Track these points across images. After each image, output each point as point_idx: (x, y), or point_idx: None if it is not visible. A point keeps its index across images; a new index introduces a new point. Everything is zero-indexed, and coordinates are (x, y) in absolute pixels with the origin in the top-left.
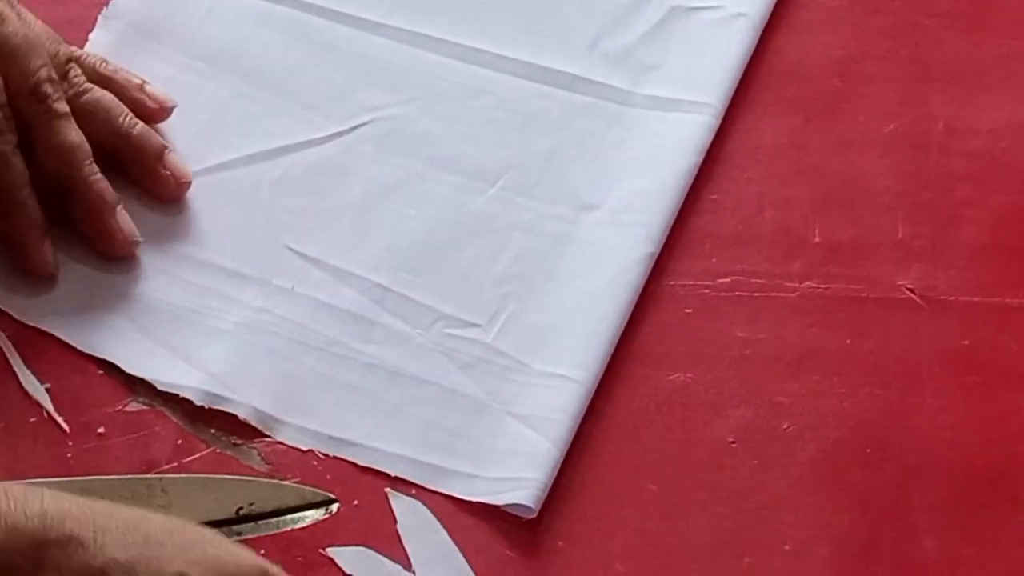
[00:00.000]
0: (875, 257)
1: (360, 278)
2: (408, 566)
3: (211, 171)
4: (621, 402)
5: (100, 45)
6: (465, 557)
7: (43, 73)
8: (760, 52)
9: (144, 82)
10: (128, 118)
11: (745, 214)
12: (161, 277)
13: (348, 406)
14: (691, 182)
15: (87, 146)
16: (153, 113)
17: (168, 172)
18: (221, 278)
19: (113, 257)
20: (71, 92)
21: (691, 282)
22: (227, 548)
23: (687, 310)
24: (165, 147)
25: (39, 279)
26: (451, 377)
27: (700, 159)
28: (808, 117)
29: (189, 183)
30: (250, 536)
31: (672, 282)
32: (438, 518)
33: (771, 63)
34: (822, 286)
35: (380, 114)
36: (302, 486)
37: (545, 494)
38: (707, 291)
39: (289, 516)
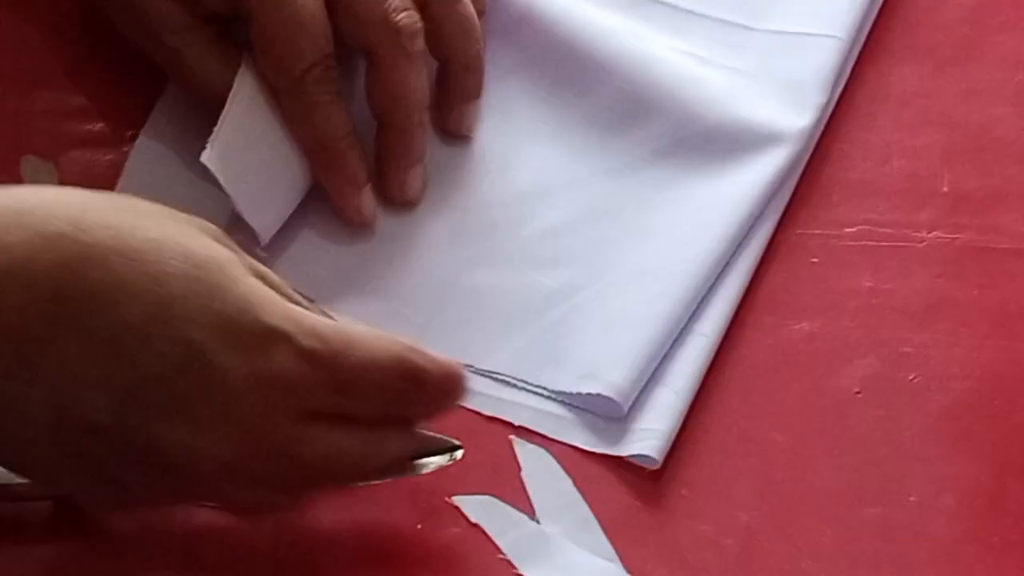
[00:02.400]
0: (1004, 207)
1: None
2: (532, 514)
3: None
4: (746, 352)
5: None
6: (588, 505)
7: (396, 2)
8: (888, 1)
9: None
10: (479, 45)
11: (873, 163)
12: None
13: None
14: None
15: (425, 94)
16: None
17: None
18: None
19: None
20: (443, 8)
21: (817, 231)
22: (240, 300)
23: (813, 259)
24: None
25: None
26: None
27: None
28: (938, 65)
29: None
30: (374, 481)
31: (799, 231)
32: (563, 467)
33: (900, 10)
34: (950, 236)
35: None
36: (427, 432)
37: (670, 445)
38: (834, 240)
39: (413, 462)
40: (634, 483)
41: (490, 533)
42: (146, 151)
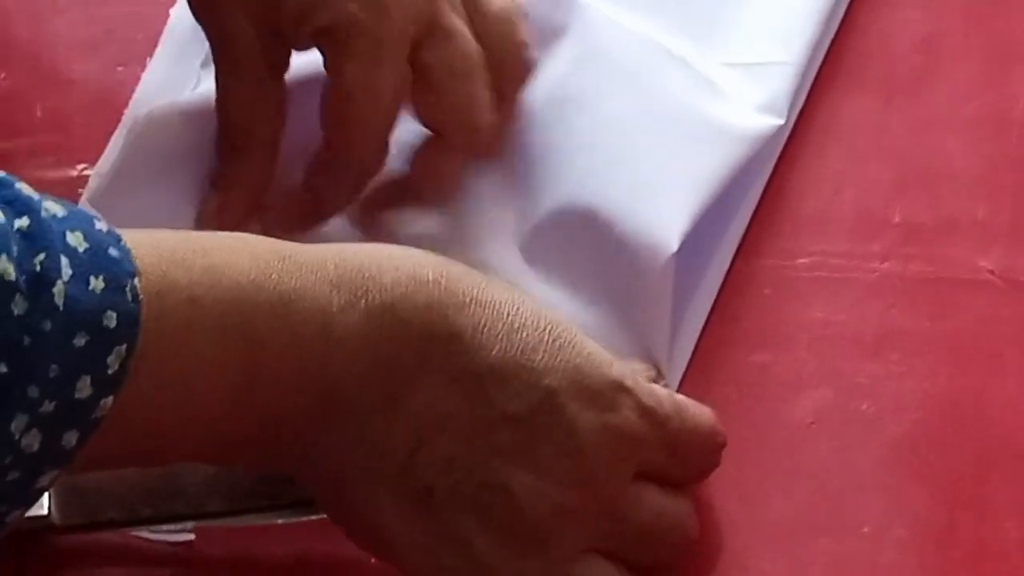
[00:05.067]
0: (956, 238)
1: None
2: None
3: None
4: (699, 383)
5: None
6: None
7: (483, 97)
8: (840, 30)
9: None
10: None
11: (824, 194)
12: None
13: None
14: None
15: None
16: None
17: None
18: None
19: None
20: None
21: (770, 262)
22: (587, 354)
23: (766, 291)
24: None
25: None
26: None
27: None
28: (888, 96)
29: None
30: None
31: (751, 262)
32: None
33: (852, 41)
34: (902, 267)
35: None
36: None
37: None
38: (786, 271)
39: None
40: None
41: None
42: (99, 186)
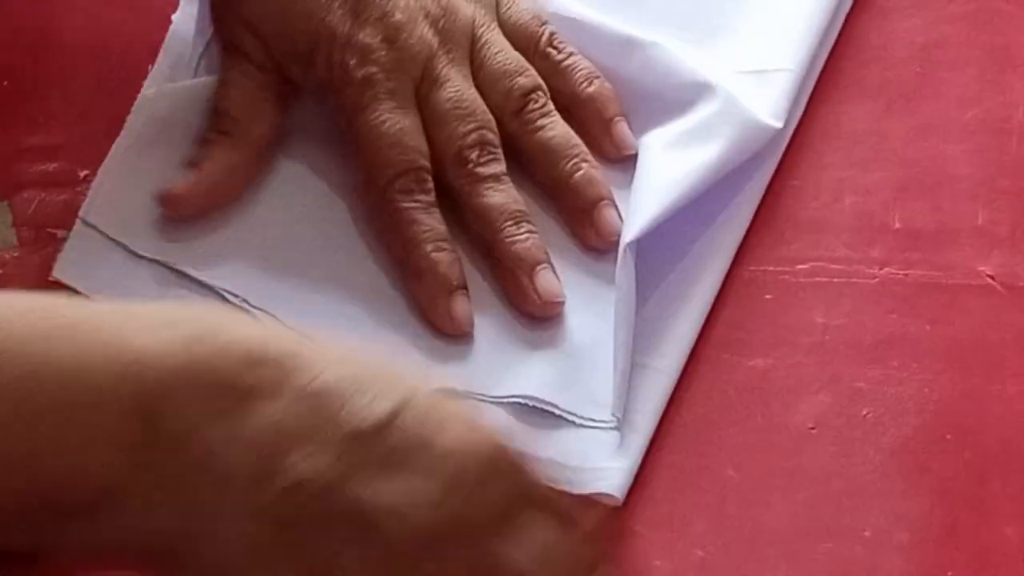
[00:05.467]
0: (955, 243)
1: None
2: None
3: None
4: (701, 388)
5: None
6: None
7: (470, 138)
8: (840, 38)
9: (616, 117)
10: (569, 163)
11: (825, 200)
12: None
13: None
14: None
15: (512, 206)
16: (608, 154)
17: (593, 228)
18: None
19: (531, 316)
20: (518, 133)
21: (771, 268)
22: (424, 383)
23: (767, 296)
24: (602, 199)
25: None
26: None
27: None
28: (888, 103)
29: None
30: None
31: (752, 268)
32: None
33: (852, 49)
34: (902, 272)
35: None
36: None
37: (631, 482)
38: (787, 277)
39: None
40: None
41: None
42: (104, 188)
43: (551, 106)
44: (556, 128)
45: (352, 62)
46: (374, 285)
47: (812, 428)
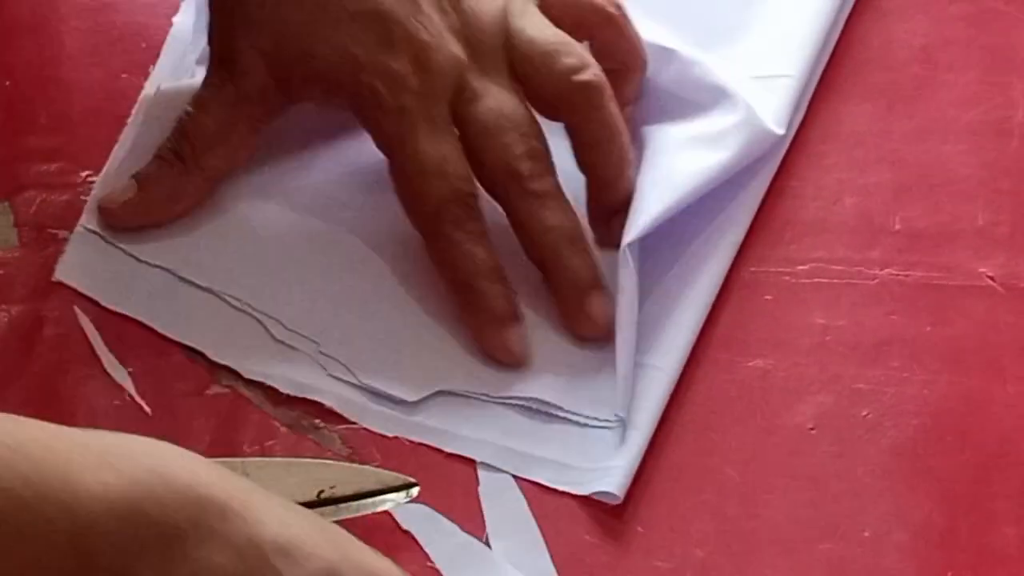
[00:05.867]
0: (956, 245)
1: None
2: (483, 531)
3: None
4: (701, 388)
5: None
6: (546, 542)
7: (518, 149)
8: (840, 39)
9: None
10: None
11: (825, 201)
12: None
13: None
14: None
15: (568, 225)
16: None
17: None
18: None
19: (586, 340)
20: (576, 119)
21: (771, 269)
22: (369, 553)
23: (767, 297)
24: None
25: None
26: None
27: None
28: (888, 104)
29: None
30: (331, 519)
31: (752, 268)
32: (521, 489)
33: (852, 50)
34: (902, 273)
35: None
36: (382, 470)
37: (630, 481)
38: (787, 278)
39: (369, 500)
40: (590, 519)
41: (420, 541)
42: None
43: (607, 85)
44: (609, 116)
45: (384, 90)
46: (378, 290)
47: (812, 429)
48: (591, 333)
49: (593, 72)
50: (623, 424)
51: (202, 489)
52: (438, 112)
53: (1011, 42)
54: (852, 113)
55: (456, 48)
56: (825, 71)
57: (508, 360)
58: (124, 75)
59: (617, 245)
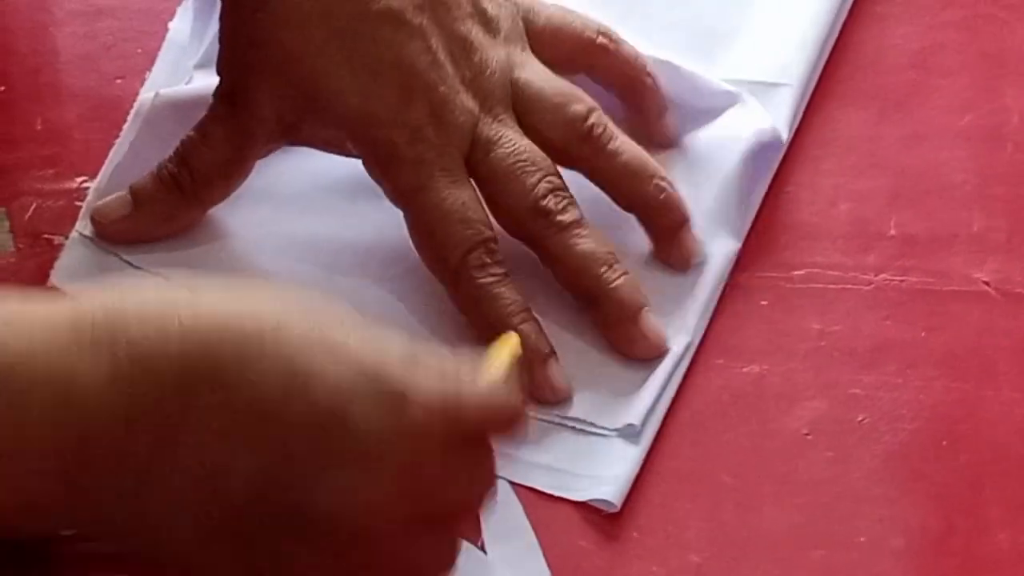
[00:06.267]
0: (950, 250)
1: None
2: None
3: None
4: (696, 394)
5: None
6: (542, 548)
7: (540, 188)
8: (835, 45)
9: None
10: (651, 185)
11: (820, 206)
12: None
13: None
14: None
15: (603, 249)
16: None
17: (680, 247)
18: None
19: (638, 360)
20: (595, 155)
21: (766, 274)
22: (366, 352)
23: (762, 302)
24: (685, 221)
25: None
26: None
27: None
28: (883, 110)
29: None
30: None
31: (747, 274)
32: (517, 494)
33: (846, 55)
34: (897, 279)
35: None
36: None
37: (627, 489)
38: (782, 283)
39: None
40: (585, 525)
41: None
42: (101, 197)
43: (611, 125)
44: (628, 149)
45: (401, 142)
46: (375, 298)
47: (807, 434)
48: (648, 354)
49: (597, 115)
50: (634, 433)
51: (193, 349)
52: (455, 163)
53: (1005, 47)
54: (847, 118)
55: (469, 100)
56: (820, 77)
57: (555, 397)
58: (119, 81)
59: (690, 263)
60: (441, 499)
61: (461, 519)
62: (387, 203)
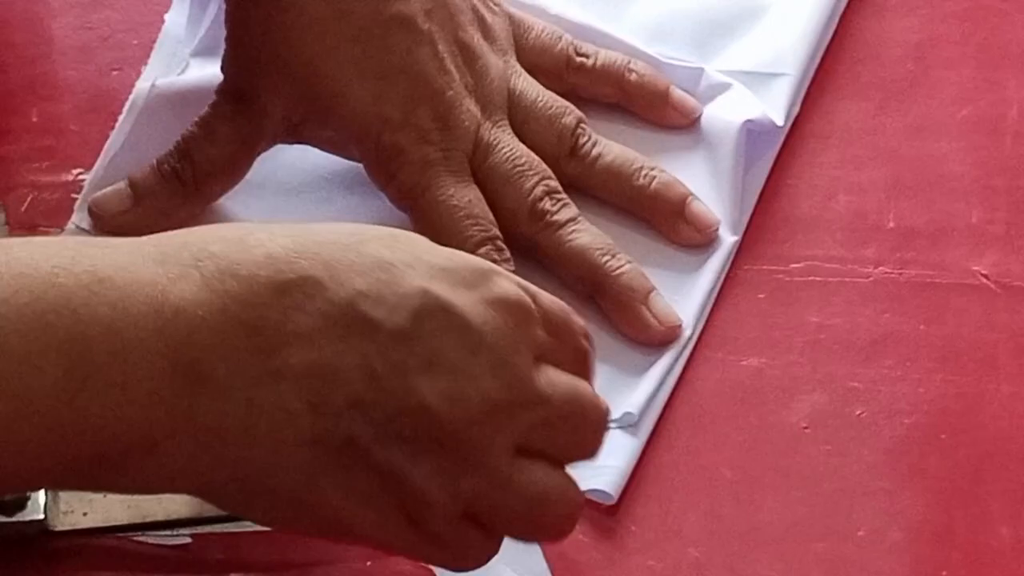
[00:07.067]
0: (949, 243)
1: None
2: None
3: None
4: (694, 387)
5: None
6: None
7: (538, 191)
8: (835, 36)
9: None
10: (641, 177)
11: (819, 199)
12: None
13: None
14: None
15: (601, 240)
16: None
17: (689, 225)
18: None
19: (653, 346)
20: (579, 170)
21: (764, 267)
22: (441, 251)
23: (760, 295)
24: (686, 197)
25: None
26: None
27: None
28: (882, 101)
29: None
30: None
31: (746, 267)
32: None
33: (846, 47)
34: (896, 271)
35: None
36: None
37: (625, 481)
38: (781, 276)
39: None
40: (584, 518)
41: None
42: (96, 189)
43: (595, 135)
44: (613, 150)
45: (407, 145)
46: None
47: (806, 427)
48: (660, 338)
49: (583, 127)
50: (632, 423)
51: (283, 268)
52: (460, 164)
53: (1005, 39)
54: (846, 110)
55: (472, 106)
56: (819, 68)
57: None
58: (116, 72)
59: (709, 234)
60: (551, 399)
61: (565, 436)
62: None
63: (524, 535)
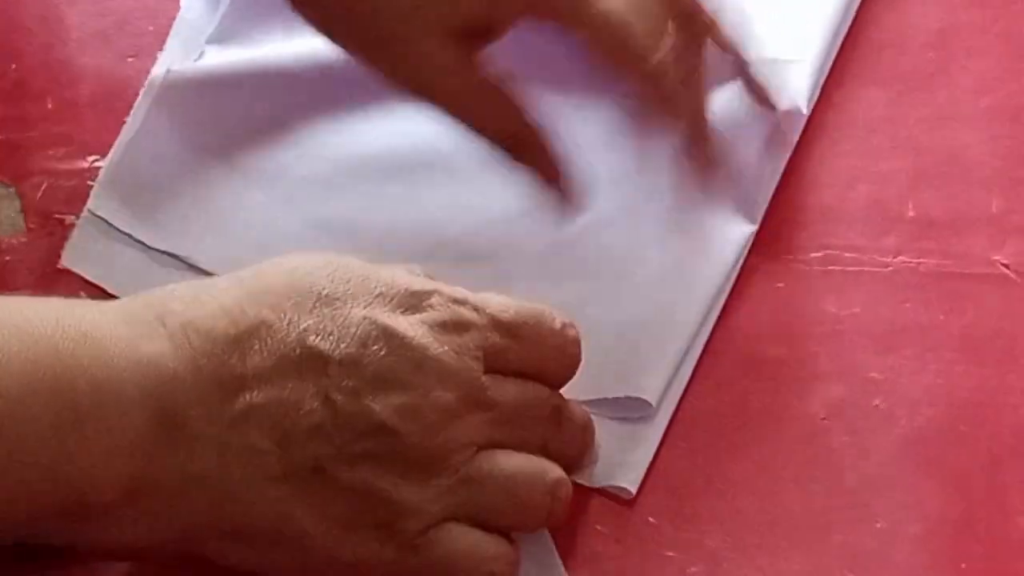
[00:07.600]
0: (970, 232)
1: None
2: None
3: None
4: (712, 378)
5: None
6: (552, 534)
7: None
8: (855, 24)
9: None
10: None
11: (838, 188)
12: None
13: None
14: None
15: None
16: None
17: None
18: None
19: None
20: None
21: (783, 256)
22: (380, 277)
23: (779, 285)
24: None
25: None
26: None
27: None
28: (903, 90)
29: None
30: None
31: (764, 257)
32: None
33: (865, 36)
34: (916, 261)
35: None
36: None
37: (643, 474)
38: (799, 265)
39: None
40: (600, 511)
41: None
42: (111, 179)
43: None
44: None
45: None
46: None
47: (824, 418)
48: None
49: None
50: (650, 416)
51: (234, 319)
52: None
53: None
54: (866, 99)
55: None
56: (839, 56)
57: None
58: (131, 59)
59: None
60: (502, 400)
61: (520, 433)
62: (410, 182)
63: (518, 523)
